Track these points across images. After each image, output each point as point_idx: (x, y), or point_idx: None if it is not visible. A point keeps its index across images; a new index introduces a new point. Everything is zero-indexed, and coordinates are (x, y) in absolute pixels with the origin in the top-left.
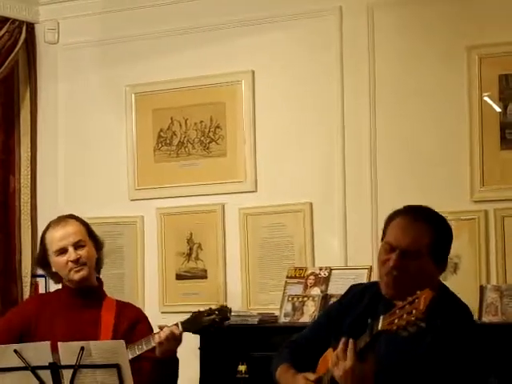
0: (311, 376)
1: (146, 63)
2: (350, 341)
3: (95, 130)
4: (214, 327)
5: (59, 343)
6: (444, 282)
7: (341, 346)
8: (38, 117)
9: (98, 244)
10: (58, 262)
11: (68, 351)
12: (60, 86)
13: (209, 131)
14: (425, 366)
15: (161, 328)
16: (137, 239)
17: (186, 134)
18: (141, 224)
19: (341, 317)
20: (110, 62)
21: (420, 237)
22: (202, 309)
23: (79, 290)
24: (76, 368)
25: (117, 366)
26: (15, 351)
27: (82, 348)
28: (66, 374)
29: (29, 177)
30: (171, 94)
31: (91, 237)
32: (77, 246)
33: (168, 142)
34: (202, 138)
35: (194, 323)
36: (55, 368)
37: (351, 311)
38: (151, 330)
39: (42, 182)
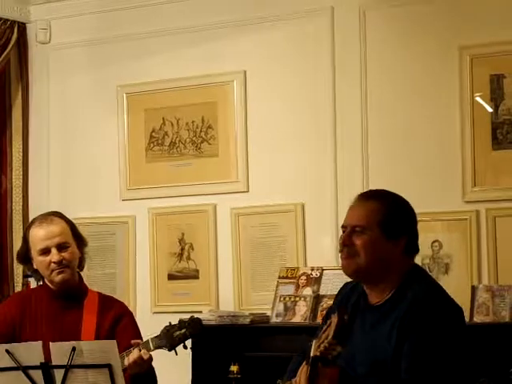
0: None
1: (137, 63)
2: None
3: (87, 129)
4: (185, 342)
5: (51, 343)
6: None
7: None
8: (29, 116)
9: (81, 243)
10: (40, 261)
11: (59, 351)
12: (52, 85)
13: (200, 131)
14: (395, 361)
15: (133, 346)
16: (128, 239)
17: (178, 134)
18: (132, 224)
19: None
20: (101, 61)
21: (367, 213)
22: (172, 322)
23: (61, 292)
24: (67, 368)
25: (108, 366)
26: (7, 351)
27: (74, 348)
28: (58, 375)
29: (20, 177)
30: (163, 94)
31: (75, 236)
32: (60, 247)
33: (160, 142)
34: (194, 138)
35: (165, 339)
36: (46, 368)
37: (347, 306)
38: (135, 325)
39: (33, 182)
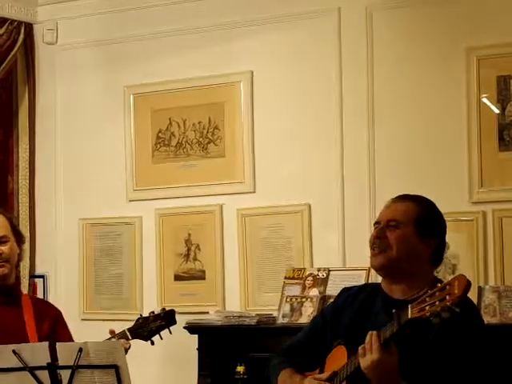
0: (322, 375)
1: (144, 64)
2: (374, 333)
3: (94, 130)
4: (160, 332)
5: (57, 344)
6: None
7: (368, 339)
8: (36, 117)
9: (20, 239)
10: None
11: (66, 352)
12: (58, 86)
13: (207, 132)
14: (429, 357)
15: (111, 333)
16: (135, 240)
17: (185, 135)
18: (139, 225)
19: (336, 318)
20: (108, 62)
21: (403, 210)
22: (146, 314)
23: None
24: (74, 369)
25: (115, 367)
26: (14, 352)
27: (81, 349)
28: (65, 375)
29: (27, 178)
30: (170, 94)
31: (14, 232)
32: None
33: (166, 142)
34: (201, 139)
35: (141, 329)
36: (53, 368)
37: (346, 312)
38: (67, 325)
39: (40, 182)
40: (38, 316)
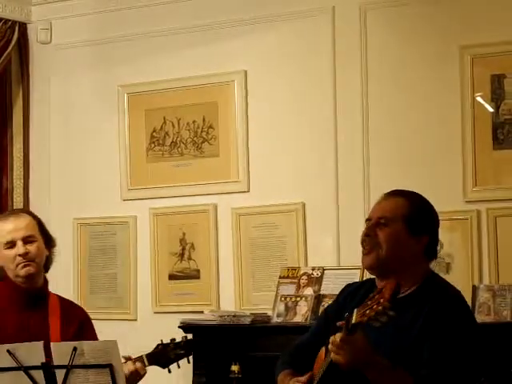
0: (302, 378)
1: (138, 63)
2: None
3: (88, 130)
4: (178, 361)
5: (52, 343)
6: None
7: (331, 339)
8: (30, 117)
9: (49, 241)
10: (5, 255)
11: (61, 351)
12: (53, 86)
13: (201, 131)
14: (415, 351)
15: (126, 359)
16: (129, 239)
17: (179, 134)
18: (133, 224)
19: (338, 315)
20: (102, 62)
21: (393, 206)
22: (165, 340)
23: (26, 292)
24: (69, 368)
25: (109, 366)
26: (8, 351)
27: (75, 348)
28: (59, 375)
29: (21, 177)
30: (164, 94)
31: (43, 233)
32: (26, 240)
33: (161, 142)
34: (195, 138)
35: (160, 357)
36: (48, 368)
37: (347, 309)
38: (94, 329)
39: (34, 182)
40: (65, 319)
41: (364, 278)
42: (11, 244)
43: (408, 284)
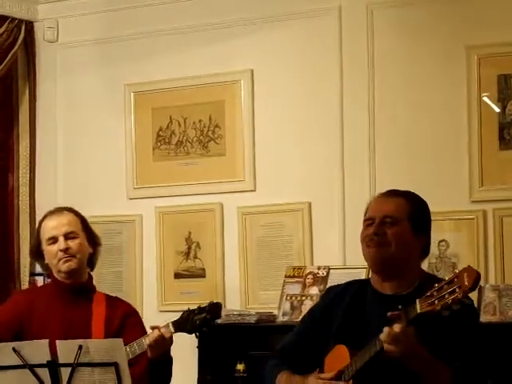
0: (327, 374)
1: (145, 62)
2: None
3: (94, 128)
4: (207, 326)
5: (57, 341)
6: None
7: (387, 329)
8: (36, 115)
9: (93, 239)
10: (48, 251)
11: (66, 349)
12: (59, 84)
13: (208, 130)
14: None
15: (153, 329)
16: (135, 238)
17: (185, 133)
18: (139, 223)
19: (326, 317)
20: (109, 60)
21: (397, 206)
22: (192, 307)
23: (70, 287)
24: (74, 366)
25: (115, 365)
26: (13, 349)
27: (80, 346)
28: (64, 373)
29: (27, 175)
30: (170, 92)
31: (86, 231)
32: (68, 236)
33: (167, 140)
34: (201, 137)
35: (185, 323)
36: (53, 366)
37: (335, 311)
38: (142, 324)
39: (40, 180)
40: (110, 313)
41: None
42: (53, 240)
43: (408, 282)
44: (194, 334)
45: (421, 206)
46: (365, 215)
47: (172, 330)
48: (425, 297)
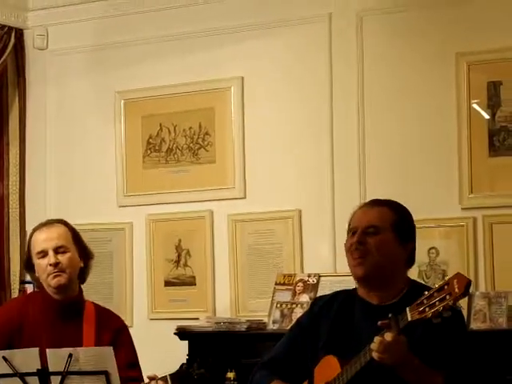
0: None
1: (135, 70)
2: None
3: (84, 136)
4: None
5: (47, 350)
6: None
7: (377, 338)
8: (26, 123)
9: (84, 252)
10: (38, 264)
11: (56, 358)
12: (49, 92)
13: (198, 138)
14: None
15: (150, 379)
16: (125, 245)
17: (175, 141)
18: (129, 230)
19: (315, 327)
20: (99, 68)
21: (380, 215)
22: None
23: (59, 304)
24: (64, 375)
25: (105, 373)
26: (4, 358)
27: (71, 355)
28: (54, 381)
29: (17, 183)
30: (160, 100)
31: (77, 244)
32: (58, 251)
33: (157, 148)
34: (191, 145)
35: (183, 378)
36: (43, 375)
37: (323, 321)
38: (131, 339)
39: (30, 188)
40: (100, 327)
41: None
42: (43, 253)
43: (395, 291)
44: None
45: (404, 215)
46: (349, 226)
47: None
48: (415, 305)
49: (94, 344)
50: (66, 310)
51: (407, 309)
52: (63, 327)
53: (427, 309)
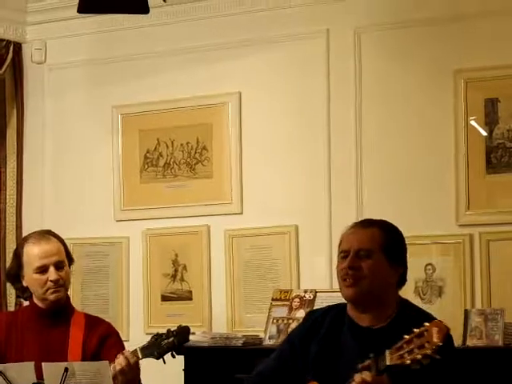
0: None
1: (132, 84)
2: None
3: (81, 150)
4: (175, 351)
5: (43, 364)
6: (430, 306)
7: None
8: (24, 137)
9: (71, 260)
10: (35, 279)
11: (52, 372)
12: (47, 105)
13: (195, 152)
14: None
15: (120, 355)
16: (122, 260)
17: (173, 156)
18: (126, 245)
19: (305, 343)
20: (96, 82)
21: (371, 237)
22: (161, 331)
23: (49, 311)
24: None
25: None
26: None
27: (66, 369)
28: None
29: (15, 196)
30: (158, 115)
31: (68, 255)
32: (58, 266)
33: (154, 163)
34: (189, 160)
35: (152, 348)
36: None
37: (314, 336)
38: (121, 344)
39: (27, 201)
40: (88, 331)
41: None
42: (43, 269)
43: (386, 313)
44: (161, 359)
45: (395, 236)
46: (339, 247)
47: (140, 356)
48: (395, 348)
49: (80, 350)
50: (54, 317)
51: (387, 352)
52: (50, 334)
53: (406, 354)
